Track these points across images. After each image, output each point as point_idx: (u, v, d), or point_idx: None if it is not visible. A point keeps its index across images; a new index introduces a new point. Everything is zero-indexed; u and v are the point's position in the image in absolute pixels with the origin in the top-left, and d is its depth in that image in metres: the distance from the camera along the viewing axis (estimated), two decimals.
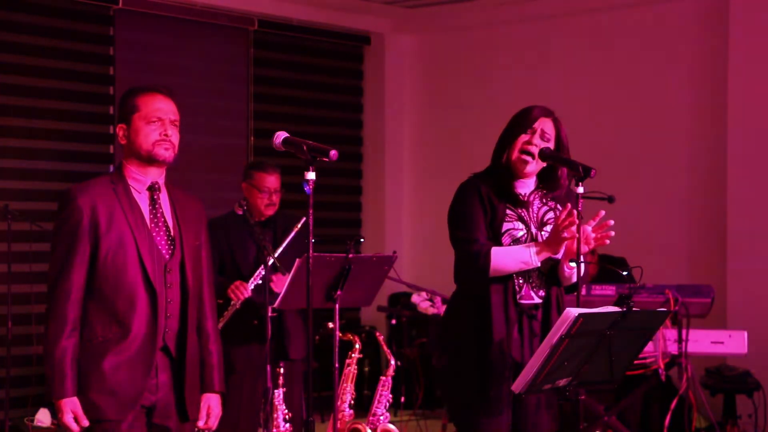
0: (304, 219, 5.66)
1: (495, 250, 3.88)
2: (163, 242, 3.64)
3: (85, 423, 3.52)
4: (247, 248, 5.65)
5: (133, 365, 3.55)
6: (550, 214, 4.02)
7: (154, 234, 3.62)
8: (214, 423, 3.77)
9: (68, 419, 3.51)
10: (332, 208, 9.15)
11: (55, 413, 3.57)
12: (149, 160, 3.62)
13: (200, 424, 3.73)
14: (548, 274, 3.99)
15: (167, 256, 3.63)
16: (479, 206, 3.94)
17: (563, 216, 3.79)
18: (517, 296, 3.93)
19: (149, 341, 3.57)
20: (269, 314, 5.51)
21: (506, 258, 3.88)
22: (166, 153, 3.62)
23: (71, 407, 3.50)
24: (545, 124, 3.96)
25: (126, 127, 3.64)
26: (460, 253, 3.98)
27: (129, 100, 3.67)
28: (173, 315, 3.63)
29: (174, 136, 3.65)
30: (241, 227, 5.60)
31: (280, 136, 3.64)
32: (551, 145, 3.96)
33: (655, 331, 3.93)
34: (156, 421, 3.61)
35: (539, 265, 3.90)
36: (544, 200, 4.05)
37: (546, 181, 4.05)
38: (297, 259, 4.98)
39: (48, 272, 3.59)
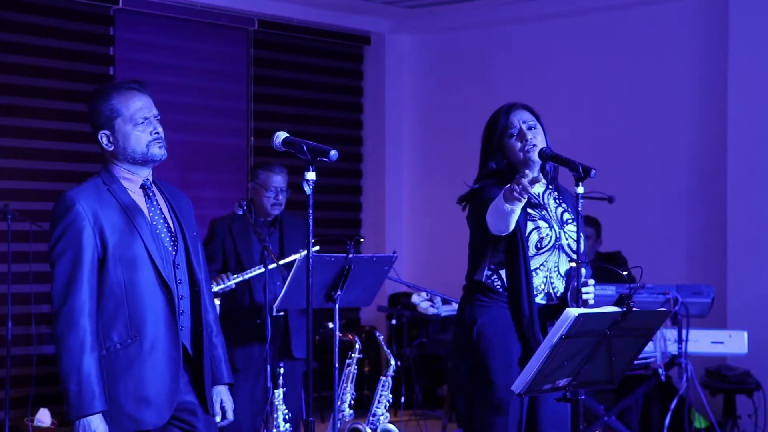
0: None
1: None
2: (166, 238, 3.54)
3: None
4: (251, 248, 5.66)
5: (161, 368, 3.43)
6: (567, 214, 4.04)
7: (157, 231, 3.52)
8: (231, 414, 3.71)
9: None
10: (332, 208, 9.14)
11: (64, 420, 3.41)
12: (145, 161, 3.53)
13: (217, 419, 3.64)
14: None
15: (173, 252, 3.54)
16: None
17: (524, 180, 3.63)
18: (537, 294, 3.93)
19: (171, 340, 3.46)
20: (273, 314, 5.53)
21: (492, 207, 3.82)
22: (161, 151, 3.52)
23: (102, 425, 3.33)
24: (523, 115, 3.99)
25: (110, 134, 3.53)
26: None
27: (104, 104, 3.53)
28: (185, 311, 3.54)
29: (161, 131, 3.54)
30: (245, 227, 5.62)
31: (280, 136, 3.62)
32: (540, 131, 3.97)
33: (655, 331, 3.93)
34: (173, 420, 3.50)
35: (517, 202, 3.70)
36: (558, 201, 4.07)
37: (551, 181, 4.07)
38: (297, 259, 4.99)
39: (54, 283, 3.40)
